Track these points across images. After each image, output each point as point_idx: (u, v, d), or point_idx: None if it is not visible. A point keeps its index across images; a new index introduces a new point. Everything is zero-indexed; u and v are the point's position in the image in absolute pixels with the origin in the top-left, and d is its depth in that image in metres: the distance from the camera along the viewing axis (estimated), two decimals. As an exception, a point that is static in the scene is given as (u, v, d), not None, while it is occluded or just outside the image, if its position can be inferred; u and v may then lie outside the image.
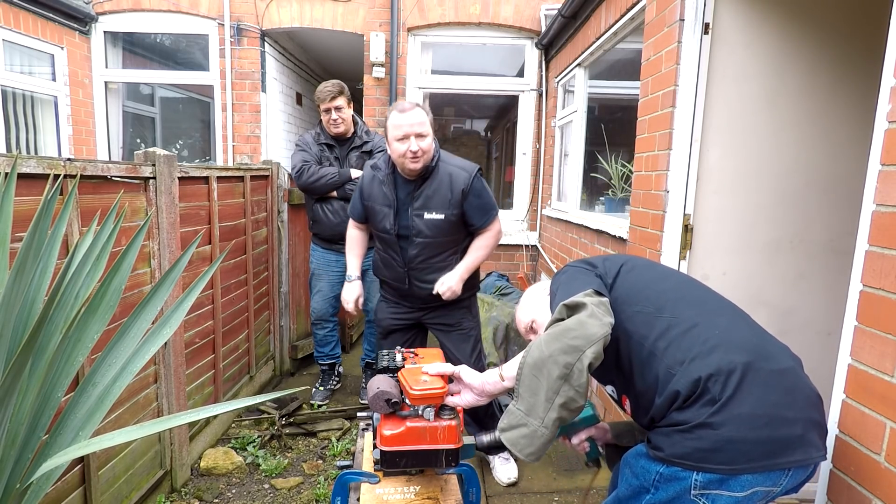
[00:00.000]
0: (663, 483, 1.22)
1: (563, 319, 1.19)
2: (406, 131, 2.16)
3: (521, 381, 1.19)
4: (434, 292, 2.33)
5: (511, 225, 5.43)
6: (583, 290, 1.24)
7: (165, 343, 2.22)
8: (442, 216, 2.29)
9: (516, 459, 2.60)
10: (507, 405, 1.28)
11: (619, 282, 1.34)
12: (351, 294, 2.60)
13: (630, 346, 1.28)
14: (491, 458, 2.60)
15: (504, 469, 2.55)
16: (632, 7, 2.89)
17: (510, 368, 1.32)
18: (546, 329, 1.23)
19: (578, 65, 4.10)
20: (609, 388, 1.44)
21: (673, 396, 1.19)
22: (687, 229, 2.23)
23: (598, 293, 1.23)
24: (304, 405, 3.37)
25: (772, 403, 1.15)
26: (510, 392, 1.31)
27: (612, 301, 1.30)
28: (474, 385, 1.41)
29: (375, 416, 1.49)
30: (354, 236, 2.64)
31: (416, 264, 2.35)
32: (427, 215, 2.29)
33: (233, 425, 3.08)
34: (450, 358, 2.49)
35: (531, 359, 1.17)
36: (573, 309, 1.18)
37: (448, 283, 2.31)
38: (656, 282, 1.35)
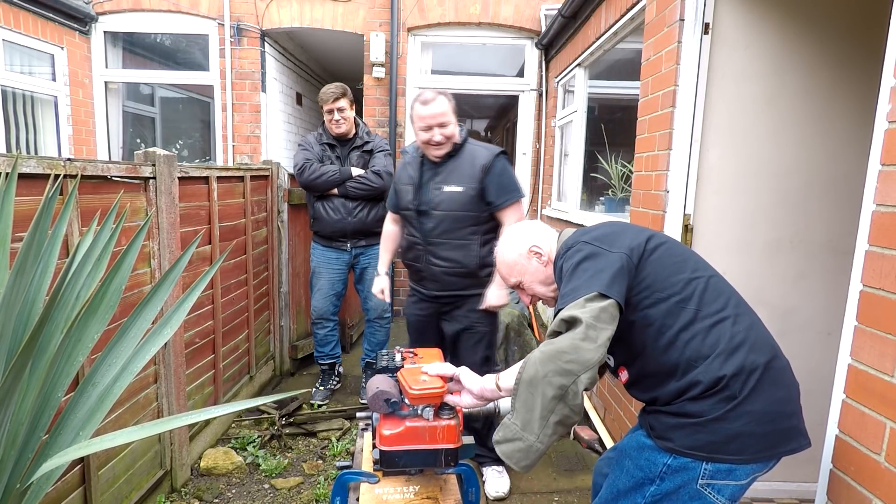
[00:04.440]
0: (670, 474, 1.24)
1: (559, 333, 1.17)
2: (429, 122, 2.29)
3: (517, 396, 1.18)
4: (483, 307, 2.39)
5: (511, 225, 5.42)
6: (588, 288, 1.19)
7: (165, 343, 2.22)
8: (461, 189, 2.36)
9: (509, 470, 2.57)
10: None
11: (643, 263, 1.30)
12: (377, 286, 2.80)
13: (648, 332, 1.27)
14: (484, 469, 2.56)
15: (496, 482, 2.49)
16: (632, 7, 2.89)
17: (507, 379, 1.31)
18: (546, 335, 1.22)
19: (578, 65, 4.10)
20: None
21: (690, 386, 1.21)
22: (687, 229, 2.23)
23: (603, 295, 1.18)
24: (304, 405, 3.37)
25: (779, 400, 1.21)
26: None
27: (636, 283, 1.27)
28: (473, 390, 1.41)
29: (375, 415, 1.49)
30: (388, 232, 2.77)
31: (434, 238, 2.41)
32: (447, 188, 2.38)
33: (233, 425, 3.08)
34: (461, 362, 2.47)
35: (526, 375, 1.16)
36: (570, 323, 1.15)
37: (490, 301, 2.37)
38: (680, 268, 1.31)
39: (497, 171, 2.38)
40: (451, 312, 2.50)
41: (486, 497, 2.47)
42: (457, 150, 2.40)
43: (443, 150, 2.35)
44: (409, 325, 2.68)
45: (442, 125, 2.29)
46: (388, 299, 2.84)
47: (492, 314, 2.52)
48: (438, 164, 2.41)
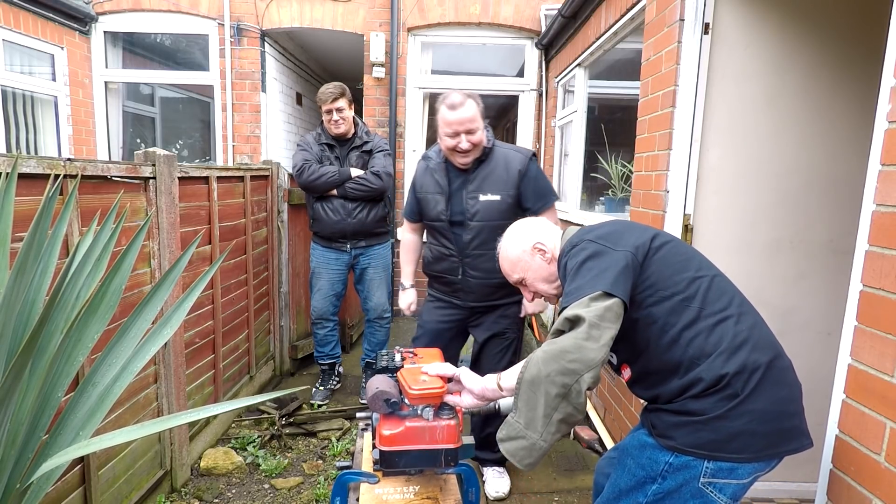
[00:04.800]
0: (672, 472, 1.24)
1: (563, 332, 1.17)
2: (456, 129, 2.15)
3: (520, 395, 1.19)
4: (521, 315, 2.32)
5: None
6: (593, 287, 1.19)
7: (165, 343, 2.22)
8: (498, 197, 2.24)
9: (509, 470, 2.57)
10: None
11: (647, 262, 1.30)
12: (404, 301, 2.63)
13: (651, 330, 1.27)
14: (484, 469, 2.56)
15: (496, 483, 2.48)
16: (632, 7, 2.89)
17: (508, 379, 1.31)
18: (548, 334, 1.23)
19: (578, 65, 4.10)
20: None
21: (692, 384, 1.21)
22: (687, 229, 2.23)
23: (608, 294, 1.17)
24: (304, 405, 3.37)
25: (781, 399, 1.21)
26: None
27: (640, 281, 1.27)
28: (474, 390, 1.41)
29: (375, 415, 1.49)
30: (408, 242, 2.60)
31: (472, 250, 2.28)
32: (483, 197, 2.24)
33: (233, 425, 3.08)
34: (482, 370, 2.43)
35: (529, 375, 1.17)
36: (574, 322, 1.16)
37: (528, 308, 2.32)
38: (684, 267, 1.31)
39: (533, 175, 2.28)
40: (482, 319, 2.42)
41: (486, 497, 2.47)
42: (486, 154, 2.27)
43: (469, 157, 2.22)
44: (426, 333, 2.49)
45: (470, 131, 2.15)
46: (412, 314, 2.68)
47: (521, 320, 2.48)
48: (469, 171, 2.27)
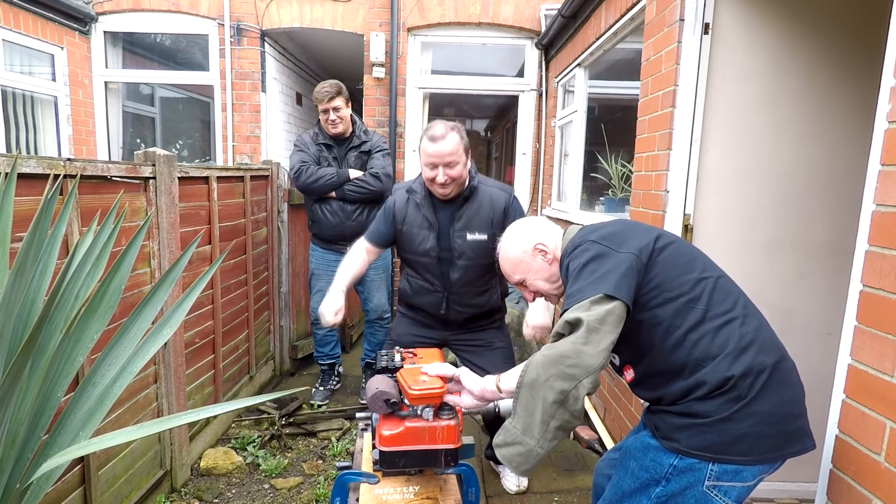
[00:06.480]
0: (676, 475, 1.23)
1: (563, 335, 1.17)
2: (434, 161, 2.08)
3: (518, 399, 1.18)
4: (529, 339, 2.18)
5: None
6: (595, 289, 1.17)
7: (165, 343, 2.22)
8: (485, 236, 2.22)
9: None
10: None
11: (651, 263, 1.28)
12: (333, 306, 2.13)
13: (656, 332, 1.26)
14: (500, 468, 2.59)
15: (515, 477, 2.51)
16: (632, 7, 2.88)
17: (508, 381, 1.31)
18: (548, 337, 1.22)
19: (578, 65, 4.10)
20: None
21: (697, 386, 1.21)
22: (687, 229, 2.23)
23: (610, 297, 1.16)
24: (304, 405, 3.37)
25: (786, 401, 1.21)
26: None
27: (645, 283, 1.26)
28: (474, 390, 1.41)
29: (374, 416, 1.49)
30: (358, 257, 2.31)
31: (458, 288, 2.28)
32: (470, 236, 2.22)
33: (233, 425, 3.08)
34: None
35: (528, 379, 1.16)
36: (574, 326, 1.15)
37: (534, 323, 2.10)
38: (689, 268, 1.30)
39: (517, 213, 2.27)
40: (465, 333, 2.41)
41: (486, 496, 2.47)
42: (472, 192, 2.23)
43: (447, 190, 2.15)
44: (401, 346, 2.34)
45: (449, 165, 2.08)
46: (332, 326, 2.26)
47: (506, 336, 2.48)
48: (456, 208, 2.23)
